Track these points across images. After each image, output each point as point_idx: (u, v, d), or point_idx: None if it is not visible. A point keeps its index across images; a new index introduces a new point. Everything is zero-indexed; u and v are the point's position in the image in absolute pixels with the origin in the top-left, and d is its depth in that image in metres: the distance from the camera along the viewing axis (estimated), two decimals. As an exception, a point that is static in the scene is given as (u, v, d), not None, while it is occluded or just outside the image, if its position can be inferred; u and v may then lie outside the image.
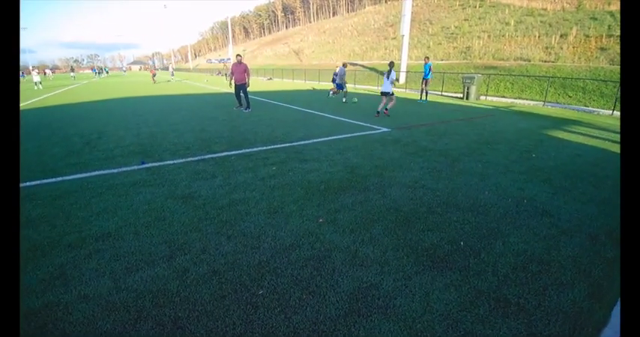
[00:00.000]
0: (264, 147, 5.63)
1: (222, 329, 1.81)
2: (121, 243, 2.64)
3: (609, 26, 17.78)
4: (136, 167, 4.58)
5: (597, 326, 1.86)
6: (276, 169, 4.46)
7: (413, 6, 23.62)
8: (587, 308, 1.99)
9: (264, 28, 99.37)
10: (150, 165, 4.68)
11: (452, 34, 25.96)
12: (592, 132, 7.40)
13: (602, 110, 11.67)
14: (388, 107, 9.06)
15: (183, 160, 4.89)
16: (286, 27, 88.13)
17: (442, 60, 22.65)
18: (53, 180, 4.05)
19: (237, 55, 10.57)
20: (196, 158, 5.01)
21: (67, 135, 6.78)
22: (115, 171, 4.42)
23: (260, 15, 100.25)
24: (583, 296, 2.09)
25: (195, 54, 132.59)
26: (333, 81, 14.23)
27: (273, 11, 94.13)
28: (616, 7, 19.89)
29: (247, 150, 5.43)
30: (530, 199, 3.53)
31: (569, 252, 2.56)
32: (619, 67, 14.66)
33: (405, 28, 20.34)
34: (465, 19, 27.35)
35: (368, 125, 7.72)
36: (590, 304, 2.02)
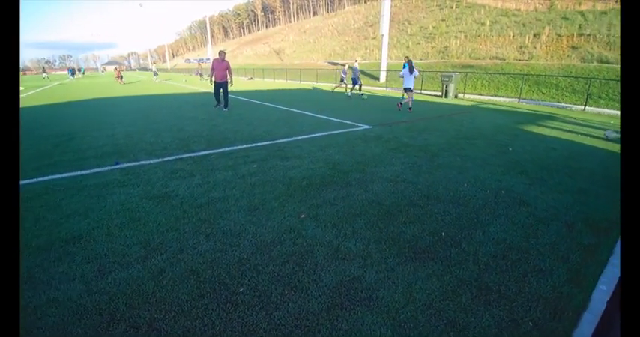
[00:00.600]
0: (245, 146, 5.53)
1: (200, 329, 1.73)
2: (93, 245, 2.50)
3: (580, 26, 18.57)
4: (109, 168, 4.39)
5: (577, 310, 1.90)
6: (256, 167, 4.38)
7: (392, 6, 23.90)
8: (567, 293, 2.03)
9: (243, 28, 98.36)
10: (124, 165, 4.50)
11: (430, 34, 26.46)
12: (565, 127, 7.68)
13: (574, 106, 12.16)
14: (404, 102, 9.82)
15: (160, 160, 4.73)
16: (266, 27, 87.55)
17: (421, 59, 23.04)
18: (22, 182, 3.83)
19: (221, 51, 9.82)
20: (174, 157, 4.86)
21: (38, 136, 6.45)
22: (88, 172, 4.22)
23: (239, 14, 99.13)
24: (562, 281, 2.13)
25: (173, 54, 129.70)
26: (342, 80, 15.26)
27: (252, 11, 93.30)
28: (586, 6, 20.79)
29: (227, 149, 5.32)
30: (508, 190, 3.60)
31: (546, 240, 2.62)
32: (589, 64, 15.35)
33: (385, 28, 20.58)
34: (443, 20, 27.94)
35: (350, 122, 7.73)
36: (569, 289, 2.07)
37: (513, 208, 3.17)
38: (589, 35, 17.46)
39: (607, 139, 6.43)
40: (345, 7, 56.78)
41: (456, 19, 26.90)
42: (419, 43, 25.82)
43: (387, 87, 18.80)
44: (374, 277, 2.14)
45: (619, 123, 8.63)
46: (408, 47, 25.97)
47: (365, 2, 49.65)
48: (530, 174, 4.17)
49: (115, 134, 6.57)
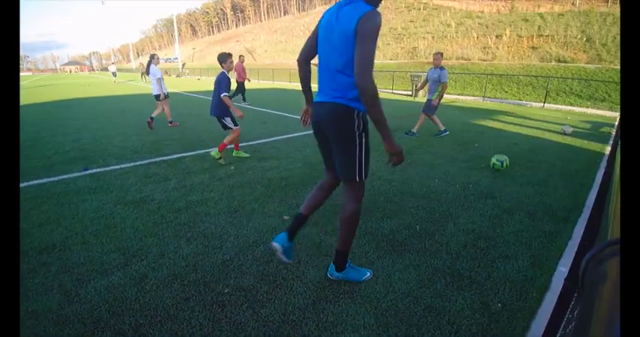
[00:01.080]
0: (221, 148, 5.48)
1: (188, 331, 1.75)
2: (69, 255, 2.43)
3: (539, 27, 19.79)
4: (78, 174, 4.22)
5: (540, 290, 2.09)
6: (234, 169, 4.37)
7: (361, 7, 24.30)
8: (531, 276, 2.22)
9: (212, 27, 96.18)
10: (94, 171, 4.34)
11: (399, 34, 27.19)
12: (526, 123, 8.21)
13: (534, 103, 12.97)
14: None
15: (132, 164, 4.60)
16: (236, 25, 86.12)
17: (391, 59, 23.63)
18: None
19: (241, 55, 12.07)
20: (146, 161, 4.74)
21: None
22: (56, 179, 4.03)
23: (208, 13, 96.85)
24: (526, 265, 2.33)
25: (138, 53, 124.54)
26: None
27: (222, 9, 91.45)
28: (545, 9, 22.15)
29: (202, 151, 5.25)
30: (475, 184, 3.84)
31: (511, 228, 2.84)
32: (548, 63, 16.39)
33: (355, 28, 20.87)
34: (411, 21, 28.80)
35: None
36: (532, 272, 2.26)
37: (481, 200, 3.39)
38: (547, 36, 18.66)
39: (564, 134, 6.95)
40: (315, 7, 57.01)
41: (424, 20, 27.82)
42: (389, 44, 26.45)
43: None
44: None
45: (575, 119, 9.33)
46: (378, 47, 26.52)
47: (336, 2, 50.07)
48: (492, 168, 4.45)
49: (80, 139, 6.28)
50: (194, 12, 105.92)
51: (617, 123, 8.55)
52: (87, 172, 4.28)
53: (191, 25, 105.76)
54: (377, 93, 1.67)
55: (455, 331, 1.76)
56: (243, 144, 5.72)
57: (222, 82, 4.41)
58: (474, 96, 14.98)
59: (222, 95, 4.38)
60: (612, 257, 0.31)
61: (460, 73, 17.32)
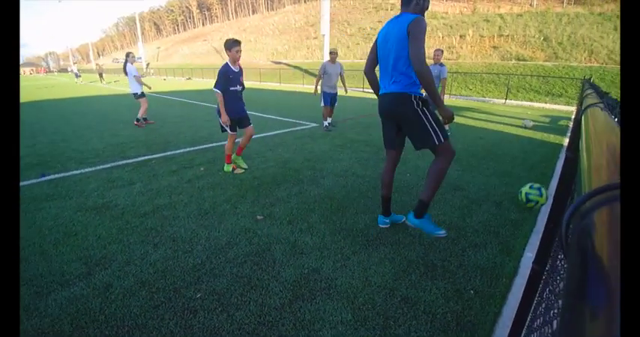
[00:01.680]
0: (189, 149, 5.30)
1: (157, 340, 1.66)
2: (26, 266, 2.24)
3: (499, 27, 20.77)
4: (35, 180, 3.91)
5: (509, 276, 2.18)
6: (204, 170, 4.23)
7: (331, 7, 24.45)
8: (500, 262, 2.31)
9: (178, 25, 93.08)
10: (52, 177, 4.05)
11: (368, 34, 27.60)
12: (490, 118, 8.58)
13: (496, 99, 13.60)
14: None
15: (93, 169, 4.34)
16: (203, 24, 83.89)
17: (361, 59, 23.93)
18: None
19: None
20: (108, 165, 4.48)
21: None
22: (4, 187, 3.71)
23: (173, 10, 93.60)
24: (495, 252, 2.42)
25: (98, 53, 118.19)
26: None
27: (187, 7, 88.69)
28: (505, 10, 23.28)
29: (169, 153, 5.05)
30: (445, 177, 3.95)
31: (480, 218, 2.94)
32: (509, 62, 17.23)
33: (325, 28, 21.00)
34: (379, 21, 29.32)
35: (296, 121, 7.79)
36: (501, 259, 2.35)
37: (450, 192, 3.49)
38: (508, 36, 19.64)
39: (525, 128, 7.33)
40: (285, 7, 56.64)
41: (391, 20, 28.38)
42: (358, 44, 26.79)
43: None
44: (331, 267, 2.23)
45: (535, 114, 9.87)
46: (348, 47, 26.79)
47: (305, 2, 50.02)
48: (462, 161, 4.61)
49: (36, 144, 5.84)
50: (158, 10, 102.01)
51: (573, 116, 9.14)
52: (44, 178, 3.98)
53: (155, 24, 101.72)
54: (431, 76, 2.16)
55: (430, 320, 1.79)
56: (214, 144, 5.56)
57: (218, 74, 3.72)
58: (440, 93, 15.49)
59: (214, 89, 3.75)
60: (597, 208, 0.31)
61: (427, 72, 17.84)
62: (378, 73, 2.60)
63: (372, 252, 2.41)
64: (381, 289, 2.02)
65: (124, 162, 4.62)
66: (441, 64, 6.06)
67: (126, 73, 7.16)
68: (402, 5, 2.35)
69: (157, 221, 2.89)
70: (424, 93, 2.40)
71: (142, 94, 7.34)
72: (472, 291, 2.01)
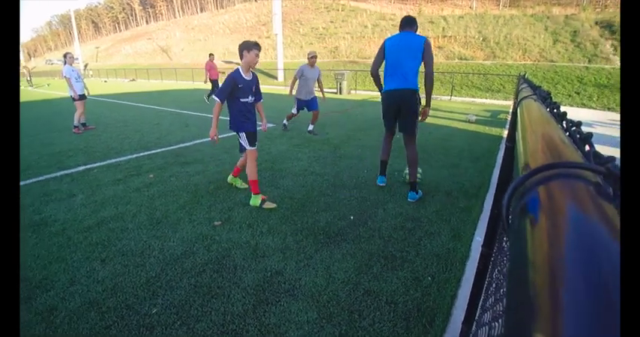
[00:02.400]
0: (135, 155, 4.95)
1: (108, 364, 1.53)
2: None
3: (443, 28, 22.03)
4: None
5: (462, 260, 2.32)
6: (153, 177, 3.98)
7: (282, 6, 24.29)
8: (453, 248, 2.44)
9: (119, 23, 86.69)
10: (-30, 193, 3.55)
11: (321, 34, 27.83)
12: (437, 114, 9.08)
13: (443, 96, 14.44)
14: None
15: (25, 182, 3.88)
16: (147, 22, 79.03)
17: (315, 58, 24.10)
18: None
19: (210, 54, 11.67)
20: (43, 177, 4.04)
21: None
22: None
23: (113, 8, 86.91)
24: (448, 239, 2.56)
25: (29, 54, 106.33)
26: None
27: (128, 4, 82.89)
28: (447, 12, 24.70)
29: (114, 161, 4.68)
30: (399, 171, 4.11)
31: (433, 208, 3.10)
32: (452, 61, 18.33)
33: (277, 27, 20.82)
34: (331, 21, 29.69)
35: (253, 122, 7.63)
36: (454, 245, 2.49)
37: (405, 186, 3.64)
38: (451, 36, 20.90)
39: (469, 122, 7.86)
40: (235, 5, 55.20)
41: (343, 21, 28.91)
42: (311, 43, 26.91)
43: (286, 86, 19.10)
44: (294, 267, 2.21)
45: (477, 109, 10.63)
46: (301, 47, 26.81)
47: (255, 0, 49.11)
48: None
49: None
50: (96, 7, 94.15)
51: (510, 109, 9.95)
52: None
53: (93, 22, 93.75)
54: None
55: (393, 309, 1.84)
56: (163, 149, 5.26)
57: (224, 80, 3.05)
58: (392, 91, 16.10)
59: (213, 96, 3.09)
60: (534, 187, 0.32)
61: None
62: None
63: (334, 248, 2.43)
64: (344, 284, 2.04)
65: (62, 173, 4.20)
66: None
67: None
68: (405, 26, 3.25)
69: (102, 235, 2.66)
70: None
71: (80, 97, 6.75)
72: (430, 278, 2.11)
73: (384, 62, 3.31)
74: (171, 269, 2.22)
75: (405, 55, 3.12)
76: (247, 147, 3.23)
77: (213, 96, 3.10)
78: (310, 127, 6.49)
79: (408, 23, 3.26)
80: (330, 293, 1.96)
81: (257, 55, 2.99)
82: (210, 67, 11.48)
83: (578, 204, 0.28)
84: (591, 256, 0.21)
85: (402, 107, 3.24)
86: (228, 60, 28.94)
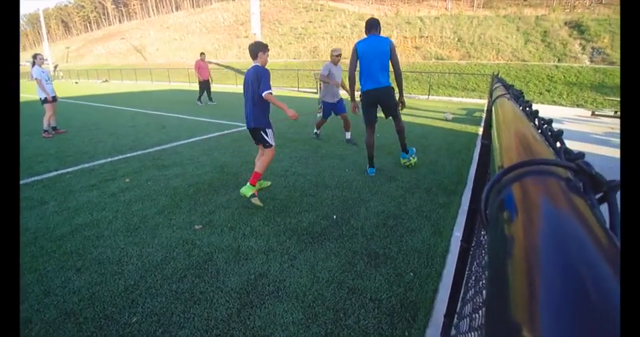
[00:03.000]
0: (110, 159, 4.77)
1: (85, 377, 1.46)
2: None
3: (420, 29, 22.46)
4: None
5: (442, 255, 2.37)
6: (129, 181, 3.84)
7: (261, 6, 24.06)
8: (433, 243, 2.50)
9: (90, 22, 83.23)
10: None
11: (300, 34, 27.79)
12: (416, 113, 9.26)
13: (420, 95, 14.74)
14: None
15: (-11, 189, 3.66)
16: (120, 21, 76.33)
17: (294, 58, 24.04)
18: None
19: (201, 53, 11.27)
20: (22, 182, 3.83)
21: None
22: None
23: (84, 7, 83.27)
24: (429, 235, 2.62)
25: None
26: None
27: (100, 3, 79.67)
28: (424, 13, 25.19)
29: (87, 165, 4.49)
30: (380, 169, 4.17)
31: (413, 205, 3.15)
32: (429, 61, 18.72)
33: (256, 27, 20.63)
34: (310, 21, 29.69)
35: (231, 123, 7.52)
36: (434, 240, 2.55)
37: (386, 184, 3.69)
38: (427, 37, 21.35)
39: (446, 120, 8.06)
40: (211, 4, 54.15)
41: (322, 21, 28.98)
42: (291, 43, 26.83)
43: (265, 85, 18.95)
44: (278, 268, 2.20)
45: (453, 107, 10.91)
46: (281, 46, 26.67)
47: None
48: (395, 154, 4.90)
49: None
50: (66, 6, 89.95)
51: (485, 107, 10.28)
52: None
53: (63, 21, 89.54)
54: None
55: (377, 306, 1.87)
56: (140, 152, 5.10)
57: (262, 77, 3.02)
58: (372, 91, 16.30)
59: (265, 93, 3.00)
60: (510, 184, 0.33)
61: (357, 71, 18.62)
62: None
63: (317, 248, 2.43)
64: (329, 283, 2.04)
65: (32, 179, 3.99)
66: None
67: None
68: (370, 29, 3.73)
69: (77, 243, 2.55)
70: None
71: (47, 100, 6.45)
72: (412, 273, 2.15)
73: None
74: (151, 276, 2.16)
75: (377, 58, 3.64)
76: (273, 143, 3.25)
77: (265, 91, 3.01)
78: (348, 135, 5.63)
79: (373, 26, 3.72)
80: (314, 293, 1.96)
81: (267, 54, 3.25)
82: (200, 67, 10.93)
83: (550, 198, 0.29)
84: (564, 246, 0.22)
85: (382, 102, 3.84)
86: (206, 60, 28.39)
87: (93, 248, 2.48)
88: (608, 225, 0.30)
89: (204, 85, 11.08)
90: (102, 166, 4.44)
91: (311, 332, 1.70)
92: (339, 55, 5.20)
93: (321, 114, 5.67)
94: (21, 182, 3.90)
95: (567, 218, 0.27)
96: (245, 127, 3.68)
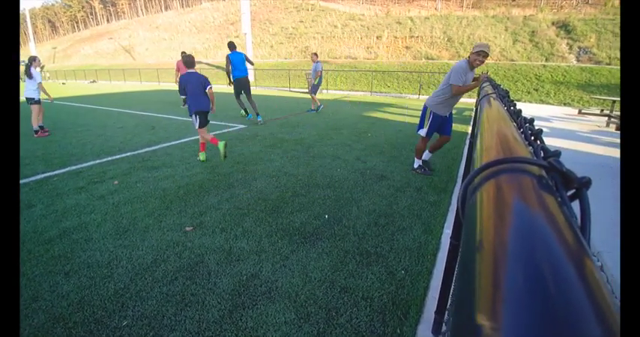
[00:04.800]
0: (98, 161, 4.70)
1: (74, 382, 1.44)
2: None
3: (410, 29, 22.61)
4: None
5: (433, 252, 2.40)
6: (118, 183, 3.79)
7: (251, 5, 23.93)
8: (424, 241, 2.52)
9: (77, 22, 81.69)
10: None
11: (291, 34, 27.71)
12: (407, 112, 9.33)
13: (411, 95, 14.85)
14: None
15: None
16: (108, 21, 75.09)
17: (286, 58, 23.97)
18: None
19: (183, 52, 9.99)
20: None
21: None
22: None
23: (71, 6, 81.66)
24: (419, 233, 2.64)
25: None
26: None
27: (88, 2, 78.23)
28: (414, 13, 25.35)
29: (74, 168, 4.41)
30: (372, 169, 4.19)
31: (404, 203, 3.18)
32: (419, 60, 18.85)
33: (246, 26, 20.50)
34: (301, 21, 29.61)
35: (222, 123, 7.47)
36: (425, 238, 2.57)
37: (377, 183, 3.71)
38: (418, 37, 21.50)
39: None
40: (201, 3, 53.62)
41: (312, 21, 28.93)
42: (282, 43, 26.74)
43: (256, 86, 18.86)
44: (270, 269, 2.19)
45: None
46: (272, 46, 26.57)
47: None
48: (386, 153, 4.94)
49: None
50: (52, 6, 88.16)
51: (474, 107, 10.39)
52: None
53: (49, 21, 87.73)
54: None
55: (369, 304, 1.88)
56: (127, 154, 5.04)
57: (207, 79, 4.46)
58: (362, 91, 16.35)
59: (209, 88, 4.43)
60: (484, 182, 0.34)
61: (349, 71, 18.68)
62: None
63: (309, 248, 2.43)
64: (321, 283, 2.05)
65: (25, 180, 3.90)
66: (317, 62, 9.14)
67: (30, 77, 6.37)
68: (234, 47, 6.97)
69: (65, 246, 2.51)
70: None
71: (39, 100, 6.57)
72: (403, 271, 2.17)
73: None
74: (141, 278, 2.13)
75: (242, 61, 7.21)
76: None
77: (210, 86, 4.45)
78: (427, 156, 4.18)
79: (235, 46, 7.28)
80: (307, 293, 1.96)
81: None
82: (181, 67, 10.86)
83: (521, 196, 0.30)
84: (530, 244, 0.23)
85: (245, 86, 7.31)
86: (196, 60, 28.11)
87: (82, 251, 2.45)
88: (579, 221, 0.31)
89: None
90: (90, 168, 4.37)
91: (303, 332, 1.70)
92: (483, 53, 3.31)
93: (424, 131, 3.98)
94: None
95: (536, 215, 0.27)
96: (236, 128, 3.68)
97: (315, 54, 9.26)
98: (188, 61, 4.35)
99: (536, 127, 0.67)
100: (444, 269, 1.62)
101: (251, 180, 3.82)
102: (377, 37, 22.82)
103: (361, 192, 3.47)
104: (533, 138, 0.62)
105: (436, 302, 1.68)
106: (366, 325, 1.75)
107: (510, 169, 0.35)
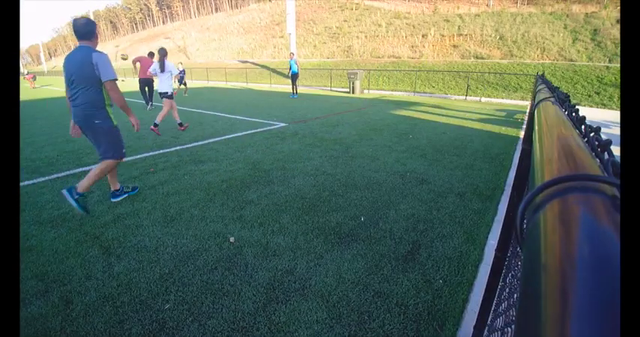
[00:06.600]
0: (151, 153, 5.06)
1: (122, 357, 1.57)
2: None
3: (459, 27, 21.65)
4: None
5: (475, 264, 2.28)
6: (168, 175, 4.06)
7: (296, 6, 24.33)
8: (465, 251, 2.41)
9: (136, 23, 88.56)
10: None
11: (334, 33, 27.74)
12: (452, 114, 8.94)
13: (457, 96, 14.21)
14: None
15: (46, 178, 4.02)
16: (163, 22, 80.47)
17: (328, 58, 24.05)
18: None
19: (150, 52, 9.46)
20: (63, 174, 4.18)
21: None
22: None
23: (130, 8, 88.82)
24: (461, 242, 2.52)
25: (50, 54, 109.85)
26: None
27: (146, 5, 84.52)
28: (463, 10, 24.26)
29: (130, 158, 4.79)
30: (412, 172, 4.07)
31: (445, 210, 3.05)
32: (468, 60, 17.99)
33: (291, 26, 20.87)
34: (345, 20, 29.53)
35: (265, 121, 7.69)
36: (467, 248, 2.46)
37: (417, 187, 3.60)
38: (466, 35, 20.52)
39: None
40: (249, 5, 55.57)
41: (356, 20, 28.73)
42: (325, 42, 26.87)
43: (300, 85, 19.14)
44: (305, 267, 2.22)
45: (492, 109, 10.41)
46: (315, 46, 26.80)
47: (270, 0, 49.30)
48: (427, 156, 4.77)
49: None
50: (114, 8, 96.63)
51: (527, 110, 9.71)
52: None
53: (111, 22, 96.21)
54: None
55: (403, 311, 1.83)
56: (177, 148, 5.36)
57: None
58: (405, 91, 15.93)
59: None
60: (549, 201, 0.32)
61: (392, 70, 18.30)
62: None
63: (344, 249, 2.43)
64: (354, 285, 2.04)
65: (80, 169, 4.33)
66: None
67: (163, 71, 6.32)
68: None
69: (118, 231, 2.74)
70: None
71: (172, 95, 6.55)
72: (441, 281, 2.09)
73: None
74: (184, 266, 2.26)
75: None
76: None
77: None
78: None
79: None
80: (340, 294, 1.96)
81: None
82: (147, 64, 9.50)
83: (592, 218, 0.27)
84: (603, 274, 0.21)
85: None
86: (243, 59, 29.20)
87: (132, 236, 2.65)
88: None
89: (145, 83, 10.22)
90: (143, 160, 4.71)
91: (334, 333, 1.70)
92: None
93: None
94: (70, 172, 4.24)
95: (609, 241, 0.25)
96: (277, 126, 3.76)
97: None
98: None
99: (604, 137, 0.61)
100: (486, 282, 1.53)
101: (290, 178, 3.89)
102: (422, 36, 22.11)
103: (400, 195, 3.39)
104: (600, 149, 0.57)
105: (476, 317, 1.60)
106: (399, 332, 1.71)
107: (579, 188, 0.32)
